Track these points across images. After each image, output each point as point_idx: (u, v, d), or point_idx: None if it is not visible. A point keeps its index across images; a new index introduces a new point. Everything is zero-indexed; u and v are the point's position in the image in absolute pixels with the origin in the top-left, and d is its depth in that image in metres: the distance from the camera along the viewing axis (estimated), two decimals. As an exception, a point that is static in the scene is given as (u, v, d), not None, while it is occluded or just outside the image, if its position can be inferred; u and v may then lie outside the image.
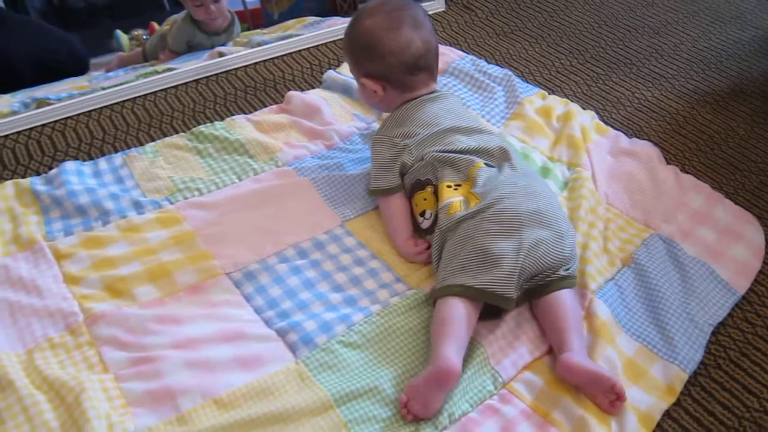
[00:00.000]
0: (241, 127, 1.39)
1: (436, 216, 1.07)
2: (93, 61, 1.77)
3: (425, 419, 0.87)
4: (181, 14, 1.78)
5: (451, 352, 0.89)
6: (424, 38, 1.17)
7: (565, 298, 0.98)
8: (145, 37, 1.87)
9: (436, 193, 1.10)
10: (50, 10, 1.91)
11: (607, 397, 0.88)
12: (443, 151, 1.11)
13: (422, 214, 1.11)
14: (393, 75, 1.17)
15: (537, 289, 0.99)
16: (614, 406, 0.88)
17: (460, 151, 1.11)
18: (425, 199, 1.11)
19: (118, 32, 1.80)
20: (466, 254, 0.99)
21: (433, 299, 1.00)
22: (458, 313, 0.94)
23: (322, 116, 1.42)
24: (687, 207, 1.22)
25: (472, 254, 0.98)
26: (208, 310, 1.03)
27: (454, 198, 1.06)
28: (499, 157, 1.12)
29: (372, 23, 1.16)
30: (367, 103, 1.30)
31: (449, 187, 1.08)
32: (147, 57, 1.81)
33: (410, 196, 1.15)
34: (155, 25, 1.85)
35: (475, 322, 0.96)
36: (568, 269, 1.01)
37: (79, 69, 1.72)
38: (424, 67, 1.18)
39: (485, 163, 1.10)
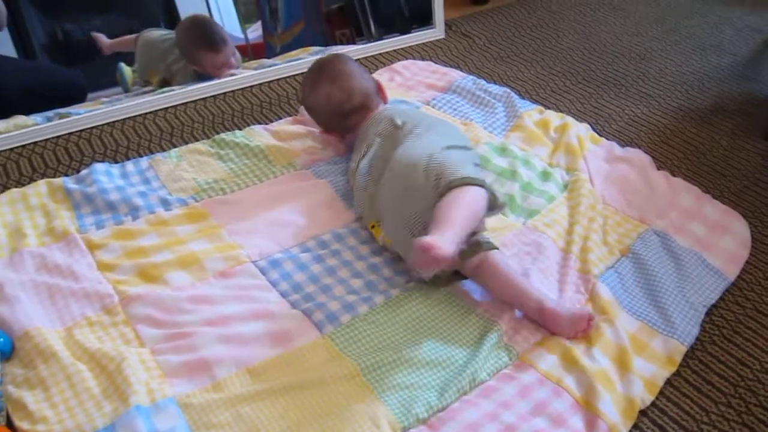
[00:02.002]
0: (260, 135, 1.48)
1: None
2: (96, 94, 1.82)
3: None
4: (171, 52, 1.75)
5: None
6: (342, 87, 1.33)
7: (449, 195, 1.04)
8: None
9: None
10: (54, 45, 1.99)
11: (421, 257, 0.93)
12: (360, 195, 1.22)
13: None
14: (333, 124, 1.38)
15: None
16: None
17: (361, 187, 1.21)
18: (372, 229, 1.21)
19: (122, 65, 1.85)
20: None
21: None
22: None
23: (336, 126, 1.51)
24: (678, 206, 1.32)
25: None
26: (237, 292, 1.09)
27: (381, 234, 1.18)
28: (380, 168, 1.20)
29: (304, 90, 1.40)
30: (342, 152, 1.42)
31: (374, 227, 1.20)
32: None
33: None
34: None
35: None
36: (440, 179, 1.06)
37: (78, 98, 1.75)
38: (351, 109, 1.34)
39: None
